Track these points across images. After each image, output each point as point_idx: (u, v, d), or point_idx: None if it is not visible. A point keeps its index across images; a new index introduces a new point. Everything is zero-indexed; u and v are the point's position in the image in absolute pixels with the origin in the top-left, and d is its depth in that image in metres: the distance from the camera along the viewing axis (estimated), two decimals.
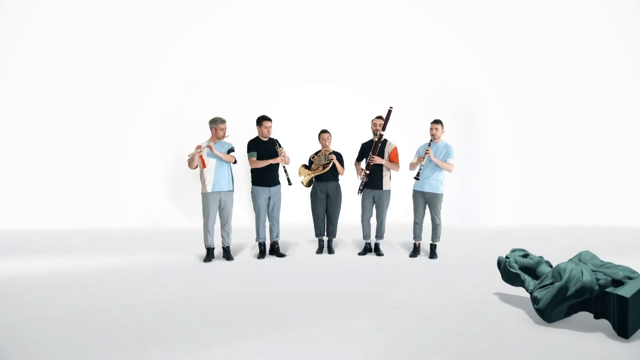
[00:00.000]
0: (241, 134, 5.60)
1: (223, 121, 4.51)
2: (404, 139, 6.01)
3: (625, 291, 2.47)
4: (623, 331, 2.49)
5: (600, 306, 2.64)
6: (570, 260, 2.96)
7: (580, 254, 2.98)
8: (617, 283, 2.63)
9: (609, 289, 2.59)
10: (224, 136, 4.50)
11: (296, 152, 5.50)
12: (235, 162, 4.59)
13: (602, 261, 2.88)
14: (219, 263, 4.51)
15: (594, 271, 2.72)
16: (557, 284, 2.72)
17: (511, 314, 2.95)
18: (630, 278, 2.63)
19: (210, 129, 4.52)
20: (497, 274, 3.28)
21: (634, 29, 6.94)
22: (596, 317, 2.70)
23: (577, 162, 7.11)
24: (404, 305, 3.12)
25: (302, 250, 5.16)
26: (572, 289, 2.64)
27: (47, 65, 6.76)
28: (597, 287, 2.62)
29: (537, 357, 2.29)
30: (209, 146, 4.41)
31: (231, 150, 4.57)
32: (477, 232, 6.27)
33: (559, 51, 7.12)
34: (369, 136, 5.01)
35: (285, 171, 4.66)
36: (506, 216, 6.92)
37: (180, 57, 7.16)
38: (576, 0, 7.03)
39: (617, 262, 2.83)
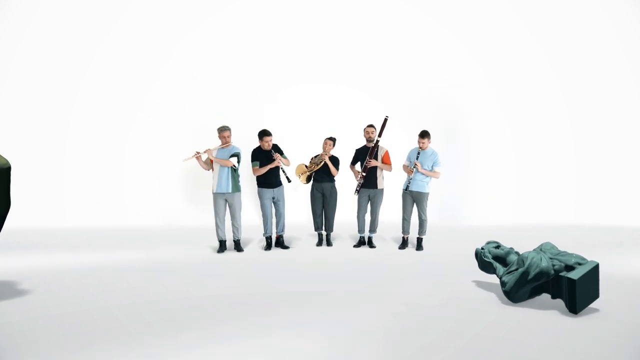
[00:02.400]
0: (245, 138, 5.73)
1: (223, 130, 4.90)
2: (404, 138, 6.09)
3: (574, 274, 2.88)
4: (573, 308, 2.91)
5: (556, 288, 3.05)
6: (534, 249, 3.39)
7: (541, 244, 3.39)
8: (569, 268, 3.03)
9: (562, 273, 3.01)
10: (225, 142, 4.89)
11: (296, 152, 5.74)
12: (234, 167, 4.89)
13: (559, 250, 3.28)
14: (225, 258, 4.70)
15: (551, 258, 3.13)
16: (520, 270, 3.13)
17: (511, 314, 2.90)
18: (580, 264, 3.03)
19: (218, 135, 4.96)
20: None
21: (634, 29, 6.67)
22: (553, 297, 3.10)
23: (569, 162, 6.95)
24: (403, 305, 3.06)
25: (304, 243, 5.53)
26: (532, 274, 3.05)
27: (50, 65, 6.56)
28: (552, 272, 3.02)
29: (537, 357, 2.25)
30: (207, 152, 4.85)
31: (234, 155, 4.90)
32: (476, 232, 6.08)
33: (558, 50, 6.87)
34: (362, 141, 5.37)
35: (283, 171, 5.08)
36: (506, 216, 6.76)
37: (184, 57, 6.92)
38: (576, 0, 6.77)
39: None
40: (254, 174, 5.05)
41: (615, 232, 6.01)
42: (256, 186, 5.18)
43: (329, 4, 7.17)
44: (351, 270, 4.19)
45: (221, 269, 4.25)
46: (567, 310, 2.93)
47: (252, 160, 5.05)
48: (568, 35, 6.88)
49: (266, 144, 4.97)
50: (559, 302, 3.08)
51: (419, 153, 5.00)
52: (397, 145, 5.81)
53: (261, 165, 4.99)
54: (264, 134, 4.98)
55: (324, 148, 5.29)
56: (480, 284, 3.63)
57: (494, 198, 7.02)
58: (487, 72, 7.12)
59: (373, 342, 2.45)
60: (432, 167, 4.96)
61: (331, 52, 7.22)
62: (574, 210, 6.82)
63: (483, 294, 3.40)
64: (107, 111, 6.83)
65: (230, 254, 4.93)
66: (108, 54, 6.77)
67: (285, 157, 5.09)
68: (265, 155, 5.01)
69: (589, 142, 6.95)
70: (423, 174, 4.93)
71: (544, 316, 2.85)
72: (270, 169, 5.02)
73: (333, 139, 5.31)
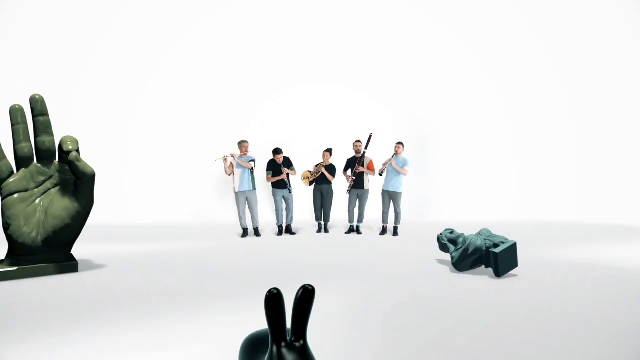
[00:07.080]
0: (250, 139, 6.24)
1: (243, 142, 5.83)
2: (388, 148, 6.49)
3: (498, 250, 3.88)
4: (497, 273, 3.90)
5: (487, 260, 4.06)
6: (475, 233, 4.39)
7: (480, 230, 4.38)
8: (496, 246, 4.05)
9: (491, 249, 4.02)
10: (246, 152, 5.82)
11: (296, 152, 6.49)
12: (253, 167, 5.80)
13: (492, 234, 4.27)
14: (234, 252, 4.72)
15: (485, 239, 4.14)
16: (462, 247, 4.11)
17: (511, 313, 2.72)
18: (503, 242, 4.05)
19: (238, 146, 5.87)
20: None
21: (634, 29, 6.47)
22: (486, 266, 4.05)
23: (560, 161, 7.09)
24: (402, 305, 2.88)
25: (308, 231, 6.41)
26: (470, 250, 4.01)
27: (73, 65, 6.42)
28: (484, 249, 4.00)
29: (538, 358, 2.08)
30: (232, 155, 5.76)
31: (252, 160, 5.83)
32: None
33: (556, 51, 6.73)
34: (352, 152, 6.34)
35: (289, 183, 6.00)
36: (507, 213, 6.96)
37: (192, 57, 7.03)
38: (576, 0, 6.59)
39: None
40: (267, 181, 6.01)
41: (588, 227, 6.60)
42: (270, 188, 6.12)
43: (330, 7, 7.20)
44: (347, 269, 3.99)
45: (233, 260, 4.29)
46: (495, 275, 3.93)
47: (267, 170, 6.00)
48: (568, 35, 6.67)
49: (278, 160, 5.93)
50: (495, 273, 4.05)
51: (393, 156, 5.95)
52: (372, 159, 6.48)
53: (273, 176, 5.95)
54: (277, 152, 5.95)
55: (323, 159, 6.23)
56: (479, 284, 3.54)
57: (492, 197, 6.95)
58: (482, 73, 7.12)
59: (372, 341, 2.25)
60: (402, 167, 5.91)
61: (333, 53, 7.35)
62: (527, 208, 7.29)
63: (482, 294, 3.22)
64: (133, 114, 7.03)
65: (251, 238, 5.74)
66: (130, 53, 6.74)
67: (293, 169, 5.98)
68: (278, 167, 5.96)
69: (575, 140, 7.05)
70: (395, 168, 5.84)
71: (544, 316, 2.70)
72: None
73: (330, 150, 6.25)
